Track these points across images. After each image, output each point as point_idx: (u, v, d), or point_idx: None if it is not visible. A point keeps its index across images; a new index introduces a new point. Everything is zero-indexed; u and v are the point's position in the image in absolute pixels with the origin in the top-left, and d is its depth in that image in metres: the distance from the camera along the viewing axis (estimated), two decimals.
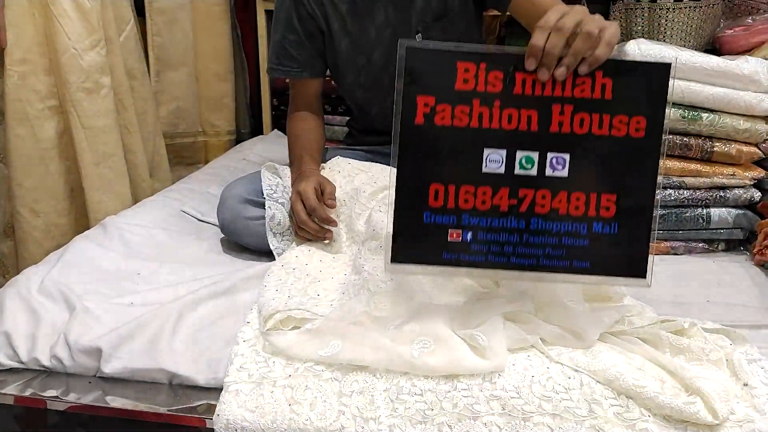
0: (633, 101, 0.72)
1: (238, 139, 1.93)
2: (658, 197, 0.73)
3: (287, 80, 1.58)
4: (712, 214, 1.19)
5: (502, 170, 0.73)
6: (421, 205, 0.74)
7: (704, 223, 1.19)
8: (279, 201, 1.08)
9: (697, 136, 1.19)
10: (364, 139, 1.35)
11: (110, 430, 0.80)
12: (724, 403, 0.66)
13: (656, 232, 0.75)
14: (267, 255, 1.08)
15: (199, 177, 1.50)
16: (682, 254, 1.22)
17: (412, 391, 0.72)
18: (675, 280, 1.05)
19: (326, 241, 1.04)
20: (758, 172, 1.20)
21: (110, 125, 1.37)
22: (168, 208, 1.27)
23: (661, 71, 0.71)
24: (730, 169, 1.18)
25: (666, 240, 1.19)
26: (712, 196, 1.19)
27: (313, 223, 1.02)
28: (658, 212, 0.74)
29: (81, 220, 1.42)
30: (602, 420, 0.68)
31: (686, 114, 1.16)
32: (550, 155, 0.73)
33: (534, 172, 0.73)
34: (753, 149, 1.18)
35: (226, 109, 1.89)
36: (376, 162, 1.24)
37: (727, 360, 0.73)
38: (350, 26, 1.19)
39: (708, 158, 1.18)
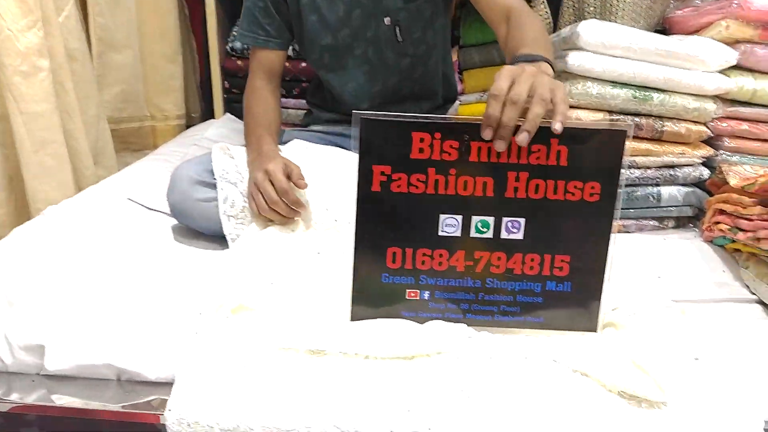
0: (588, 167, 0.73)
1: (188, 124, 1.88)
2: (610, 256, 0.75)
3: (246, 50, 1.52)
4: (662, 192, 1.21)
5: (458, 233, 0.75)
6: (380, 267, 0.76)
7: (655, 202, 1.22)
8: (231, 182, 1.05)
9: (648, 116, 1.21)
10: (320, 116, 1.32)
11: (58, 430, 0.77)
12: (672, 378, 0.67)
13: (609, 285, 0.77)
14: (219, 241, 1.05)
15: (147, 163, 1.45)
16: (633, 232, 1.24)
17: (371, 376, 0.70)
18: (626, 258, 1.06)
19: (285, 226, 1.02)
20: (707, 151, 1.23)
21: (50, 110, 1.31)
22: (113, 196, 1.22)
23: (617, 137, 0.72)
24: (679, 148, 1.21)
25: (617, 219, 1.21)
26: (662, 174, 1.21)
27: (284, 204, 0.99)
28: (611, 271, 0.76)
29: (21, 211, 1.36)
30: (559, 397, 0.68)
31: (637, 94, 1.18)
32: (505, 219, 0.74)
33: (490, 235, 0.75)
34: (702, 128, 1.21)
35: (175, 91, 1.83)
36: (332, 145, 1.22)
37: (677, 335, 0.74)
38: (319, 2, 1.17)
39: (658, 137, 1.20)
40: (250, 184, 1.03)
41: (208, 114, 1.92)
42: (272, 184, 0.98)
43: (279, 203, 0.98)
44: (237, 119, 1.74)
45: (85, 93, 1.48)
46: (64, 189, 1.34)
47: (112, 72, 1.69)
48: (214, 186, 1.05)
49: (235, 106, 1.78)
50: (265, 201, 0.99)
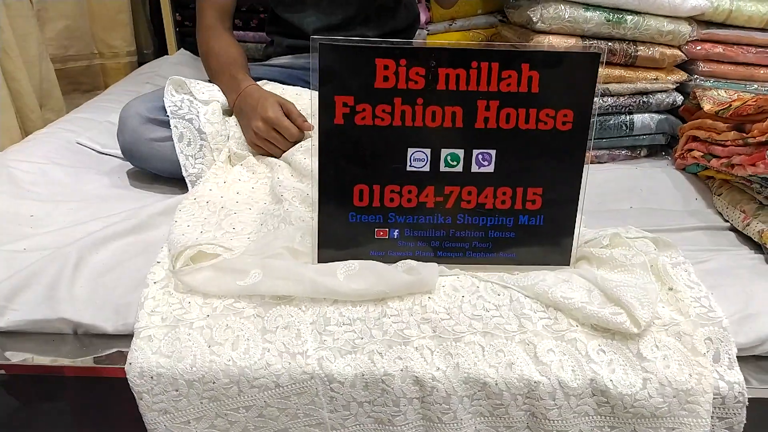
0: (561, 94, 0.69)
1: (141, 61, 1.77)
2: (583, 187, 0.73)
3: None
4: (635, 120, 1.19)
5: (427, 168, 0.71)
6: (346, 206, 0.72)
7: (627, 130, 1.19)
8: (186, 118, 0.99)
9: (621, 40, 1.17)
10: (281, 43, 1.25)
11: (15, 389, 0.74)
12: (646, 309, 0.66)
13: (582, 216, 0.75)
14: (178, 183, 1.00)
15: (97, 104, 1.35)
16: (605, 162, 1.23)
17: (340, 321, 0.68)
18: (599, 189, 1.05)
19: (248, 168, 0.98)
20: (680, 76, 1.20)
21: None
22: (62, 140, 1.14)
23: (590, 61, 0.68)
24: (653, 74, 1.18)
25: (590, 149, 1.19)
26: (635, 102, 1.18)
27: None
28: (583, 202, 0.73)
29: None
30: (531, 333, 0.67)
31: (611, 17, 1.13)
32: (475, 152, 0.71)
33: (460, 168, 0.71)
34: (676, 52, 1.17)
35: (123, 26, 1.71)
36: (293, 79, 1.17)
37: (651, 266, 0.73)
38: None
39: (632, 63, 1.17)
40: (248, 133, 1.01)
41: (161, 50, 1.81)
42: (278, 132, 0.98)
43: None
44: (192, 54, 1.64)
45: (23, 30, 1.36)
46: (9, 134, 1.26)
47: (53, 6, 1.56)
48: (167, 124, 0.99)
49: (188, 40, 1.68)
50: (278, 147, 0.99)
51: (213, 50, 1.12)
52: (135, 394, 0.66)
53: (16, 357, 0.72)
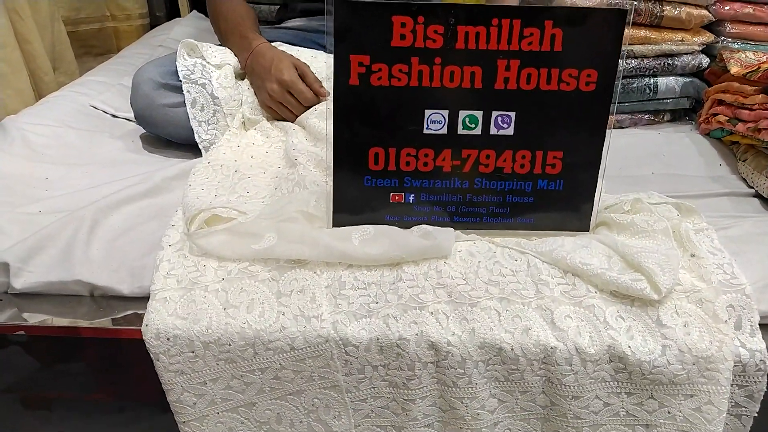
0: (584, 53, 0.67)
1: (153, 24, 1.75)
2: (605, 152, 0.70)
3: None
4: (659, 83, 1.16)
5: (444, 131, 0.69)
6: (361, 169, 0.71)
7: (651, 94, 1.16)
8: (199, 82, 0.98)
9: None
10: (295, 8, 1.22)
11: (32, 349, 0.75)
12: (668, 276, 0.64)
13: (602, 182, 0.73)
14: (192, 149, 0.99)
15: (110, 68, 1.35)
16: (627, 127, 1.20)
17: (355, 285, 0.68)
18: (620, 154, 1.02)
19: (262, 132, 0.97)
20: (707, 37, 1.16)
21: None
22: (76, 103, 1.14)
23: (616, 18, 0.65)
24: (679, 35, 1.14)
25: (614, 112, 1.16)
26: (659, 64, 1.15)
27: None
28: (605, 167, 0.71)
29: None
30: (549, 299, 0.66)
31: None
32: (494, 114, 0.69)
33: (478, 131, 0.69)
34: (703, 12, 1.13)
35: None
36: (307, 42, 1.14)
37: (673, 231, 0.71)
38: None
39: (657, 23, 1.13)
40: (261, 94, 0.99)
41: (173, 12, 1.79)
42: (293, 96, 0.96)
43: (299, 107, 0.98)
44: (204, 17, 1.62)
45: None
46: (22, 97, 1.26)
47: None
48: (180, 89, 0.98)
49: (200, 1, 1.65)
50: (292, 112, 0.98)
51: (221, 13, 1.10)
52: (152, 356, 0.67)
53: (33, 318, 0.73)
